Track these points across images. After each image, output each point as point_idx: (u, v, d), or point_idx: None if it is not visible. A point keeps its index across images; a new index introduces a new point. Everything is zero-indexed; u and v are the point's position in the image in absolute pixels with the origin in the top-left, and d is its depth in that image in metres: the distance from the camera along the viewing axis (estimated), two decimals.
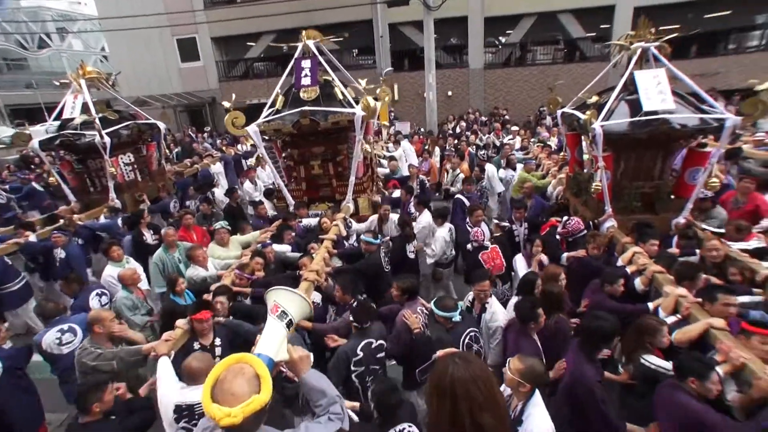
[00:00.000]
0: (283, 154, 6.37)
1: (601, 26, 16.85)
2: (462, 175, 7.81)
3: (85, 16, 30.84)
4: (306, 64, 5.64)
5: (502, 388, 2.37)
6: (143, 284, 4.82)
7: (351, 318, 3.21)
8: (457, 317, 3.17)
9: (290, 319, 2.03)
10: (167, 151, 14.43)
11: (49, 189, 8.77)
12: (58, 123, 6.99)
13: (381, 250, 4.63)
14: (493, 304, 3.60)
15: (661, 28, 4.92)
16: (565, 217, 5.13)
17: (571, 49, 17.85)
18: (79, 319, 3.78)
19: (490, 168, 7.90)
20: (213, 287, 3.93)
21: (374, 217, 5.82)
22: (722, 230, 4.45)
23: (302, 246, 5.04)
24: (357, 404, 2.66)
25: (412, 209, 6.06)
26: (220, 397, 1.45)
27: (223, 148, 11.90)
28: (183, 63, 19.97)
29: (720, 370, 2.49)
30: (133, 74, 20.07)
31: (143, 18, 16.57)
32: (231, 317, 3.64)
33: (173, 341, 3.13)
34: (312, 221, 5.68)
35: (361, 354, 3.06)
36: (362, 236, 4.59)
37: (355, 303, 3.48)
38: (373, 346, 3.13)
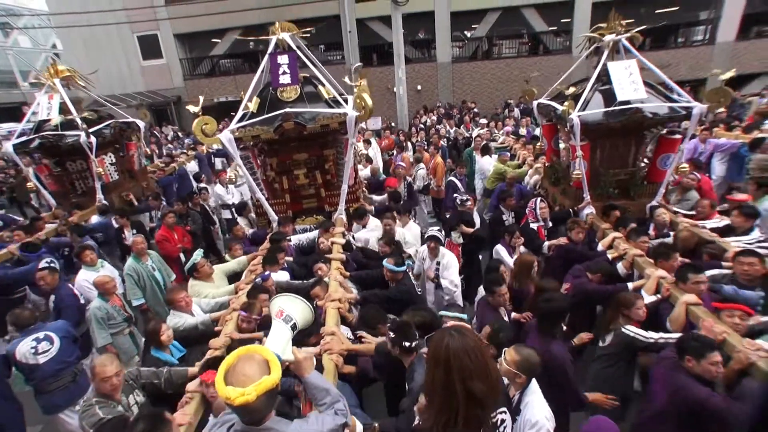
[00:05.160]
0: (268, 163, 5.49)
1: (562, 20, 17.45)
2: (423, 171, 7.90)
3: (32, 11, 29.00)
4: (283, 59, 5.03)
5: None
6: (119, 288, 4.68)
7: (391, 346, 2.58)
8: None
9: (294, 323, 2.16)
10: (147, 149, 14.11)
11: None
12: (8, 126, 6.88)
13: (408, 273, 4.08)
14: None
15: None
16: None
17: (535, 43, 18.34)
18: (56, 326, 3.69)
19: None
20: (213, 342, 3.17)
21: (377, 229, 5.14)
22: (692, 212, 4.81)
23: (298, 271, 4.46)
24: None
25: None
26: (233, 379, 1.55)
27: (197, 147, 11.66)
28: (145, 61, 19.22)
29: None
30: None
31: (99, 14, 15.88)
32: None
33: (188, 422, 2.38)
34: (302, 238, 5.06)
35: None
36: (384, 263, 3.91)
37: (394, 326, 2.69)
38: None
